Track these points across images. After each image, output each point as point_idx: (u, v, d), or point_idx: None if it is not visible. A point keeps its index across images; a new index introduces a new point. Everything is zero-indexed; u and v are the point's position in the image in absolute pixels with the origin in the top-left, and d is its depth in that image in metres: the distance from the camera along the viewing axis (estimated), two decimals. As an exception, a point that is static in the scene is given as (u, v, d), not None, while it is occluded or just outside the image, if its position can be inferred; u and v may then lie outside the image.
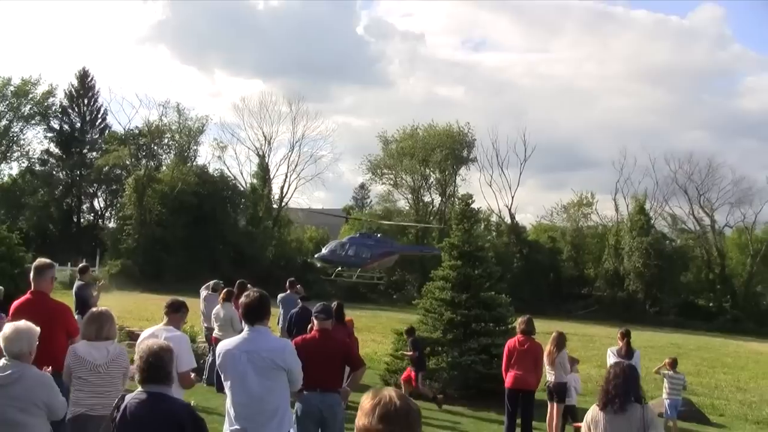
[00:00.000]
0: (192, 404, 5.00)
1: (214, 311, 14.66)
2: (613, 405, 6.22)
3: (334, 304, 11.67)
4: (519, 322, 11.98)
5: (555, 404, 12.56)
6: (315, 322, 8.19)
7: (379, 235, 52.57)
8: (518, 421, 11.89)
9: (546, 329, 25.11)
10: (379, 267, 51.48)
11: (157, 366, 4.97)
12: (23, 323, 5.98)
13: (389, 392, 3.03)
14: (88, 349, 6.63)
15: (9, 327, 5.88)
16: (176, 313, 7.61)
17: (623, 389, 6.25)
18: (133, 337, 19.03)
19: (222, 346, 6.42)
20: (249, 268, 52.95)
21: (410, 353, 15.21)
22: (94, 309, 7.22)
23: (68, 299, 10.24)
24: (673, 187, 66.97)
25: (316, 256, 46.68)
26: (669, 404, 13.98)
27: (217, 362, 6.39)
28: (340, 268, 48.19)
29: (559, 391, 12.59)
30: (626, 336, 12.96)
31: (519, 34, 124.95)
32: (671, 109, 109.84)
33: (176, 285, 47.80)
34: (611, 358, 12.70)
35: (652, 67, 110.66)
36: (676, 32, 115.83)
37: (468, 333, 16.06)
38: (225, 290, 14.91)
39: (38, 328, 6.06)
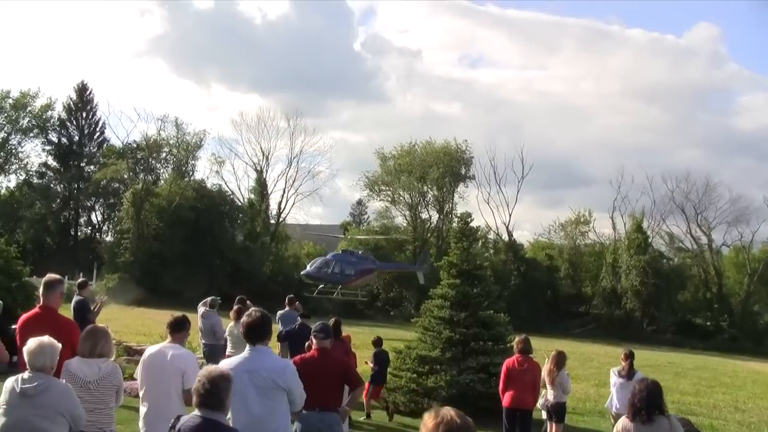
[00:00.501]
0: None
1: (227, 329, 14.74)
2: (641, 416, 6.97)
3: (331, 321, 11.69)
4: (516, 342, 11.94)
5: (554, 424, 12.52)
6: (314, 341, 8.17)
7: (360, 252, 52.57)
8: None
9: (543, 347, 25.05)
10: (361, 284, 51.43)
11: (212, 392, 5.06)
12: (47, 339, 6.12)
13: (449, 411, 3.43)
14: (81, 366, 6.72)
15: (33, 342, 6.05)
16: (179, 332, 7.53)
17: (648, 402, 7.01)
18: (130, 352, 19.00)
19: (223, 365, 6.35)
20: (246, 283, 52.83)
21: (371, 365, 15.33)
22: (90, 326, 7.32)
23: (65, 312, 10.19)
24: (670, 205, 67.15)
25: (302, 273, 46.31)
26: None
27: None
28: (322, 286, 47.90)
29: (558, 411, 12.56)
30: (630, 357, 13.03)
31: (516, 51, 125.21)
32: (667, 127, 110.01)
33: (173, 299, 47.75)
34: (613, 378, 12.83)
35: (648, 85, 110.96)
36: (672, 51, 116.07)
37: (466, 351, 16.03)
38: (237, 308, 14.95)
39: (60, 345, 6.21)
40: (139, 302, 47.38)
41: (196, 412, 5.13)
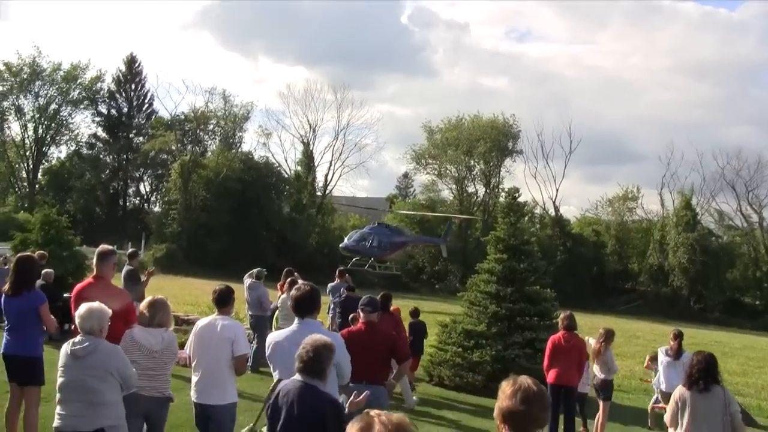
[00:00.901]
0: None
1: (279, 301, 14.84)
2: (698, 386, 7.43)
3: (380, 294, 11.73)
4: (561, 318, 11.82)
5: (601, 402, 12.46)
6: (361, 314, 8.17)
7: (395, 225, 52.32)
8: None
9: (589, 324, 24.86)
10: (395, 258, 51.19)
11: (315, 360, 5.35)
12: (96, 304, 6.47)
13: (526, 379, 3.67)
14: (144, 335, 7.09)
15: (83, 306, 6.39)
16: (226, 306, 7.66)
17: (705, 373, 7.48)
18: (178, 321, 19.19)
19: (272, 338, 6.48)
20: (292, 254, 53.23)
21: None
22: (150, 297, 7.56)
23: (115, 281, 10.35)
24: (720, 182, 65.93)
25: (340, 246, 45.87)
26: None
27: (267, 353, 6.42)
28: (357, 258, 47.47)
29: (605, 389, 12.49)
30: (678, 337, 13.05)
31: (564, 26, 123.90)
32: (717, 103, 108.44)
33: (219, 270, 48.20)
34: (661, 357, 12.79)
35: (698, 61, 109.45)
36: (724, 25, 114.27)
37: (512, 327, 15.98)
38: (290, 281, 15.00)
39: (110, 310, 6.57)
40: (186, 272, 48.00)
41: (297, 377, 5.40)
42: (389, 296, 13.57)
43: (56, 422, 6.28)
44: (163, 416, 7.32)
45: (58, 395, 6.28)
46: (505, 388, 3.66)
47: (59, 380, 6.24)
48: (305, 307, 6.41)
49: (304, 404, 5.27)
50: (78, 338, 6.27)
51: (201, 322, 7.67)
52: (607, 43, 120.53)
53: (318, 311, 6.64)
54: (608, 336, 12.49)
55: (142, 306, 7.37)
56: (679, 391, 7.59)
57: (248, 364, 13.91)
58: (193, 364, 7.50)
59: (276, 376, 6.34)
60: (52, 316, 8.46)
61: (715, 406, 7.38)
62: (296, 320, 6.44)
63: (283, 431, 5.32)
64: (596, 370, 12.57)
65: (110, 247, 8.44)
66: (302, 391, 5.31)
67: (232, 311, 7.87)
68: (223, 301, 7.66)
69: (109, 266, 8.08)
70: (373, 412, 3.05)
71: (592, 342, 13.08)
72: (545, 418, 3.71)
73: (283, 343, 6.25)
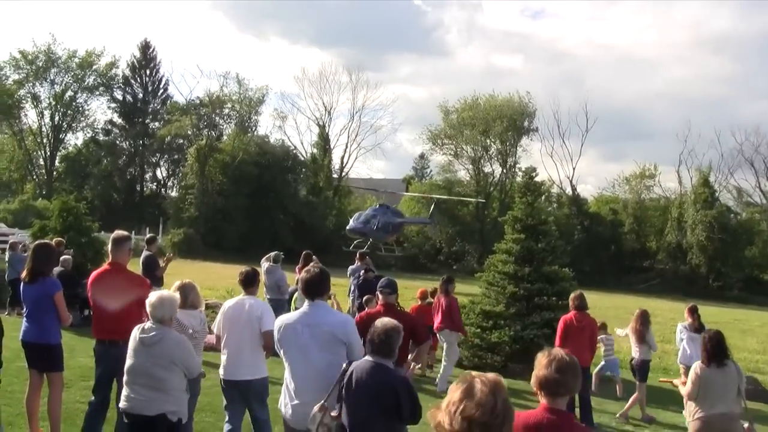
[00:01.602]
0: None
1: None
2: (717, 361, 7.94)
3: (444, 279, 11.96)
4: (572, 298, 11.82)
5: (638, 383, 12.63)
6: (380, 296, 8.18)
7: (394, 207, 51.90)
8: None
9: (608, 303, 24.82)
10: (394, 239, 50.56)
11: (386, 342, 5.76)
12: (167, 293, 6.80)
13: (559, 351, 4.23)
14: (185, 316, 7.51)
15: (155, 295, 6.62)
16: (252, 286, 8.09)
17: (720, 348, 8.01)
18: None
19: (282, 320, 6.47)
20: (309, 237, 53.24)
21: None
22: (179, 281, 7.93)
23: (134, 267, 10.39)
24: (738, 159, 65.34)
25: (347, 228, 44.74)
26: (611, 364, 14.92)
27: (277, 336, 6.42)
28: (359, 240, 46.69)
29: (644, 369, 12.60)
30: (694, 312, 13.33)
31: (578, 2, 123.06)
32: (735, 78, 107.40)
33: (237, 254, 48.35)
34: (684, 333, 12.91)
35: (715, 35, 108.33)
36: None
37: (531, 307, 15.97)
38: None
39: (179, 298, 6.98)
40: (203, 256, 48.17)
41: (368, 357, 5.79)
42: (451, 279, 14.15)
43: (122, 403, 6.60)
44: (196, 391, 7.68)
45: (125, 377, 6.57)
46: (541, 359, 4.17)
47: (128, 363, 6.54)
48: (315, 289, 6.40)
49: (378, 383, 5.61)
50: (147, 325, 6.51)
51: (229, 303, 8.04)
52: (621, 18, 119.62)
53: (328, 294, 6.78)
54: (645, 317, 12.68)
55: (173, 290, 7.58)
56: (698, 366, 8.00)
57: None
58: (222, 342, 7.81)
59: (287, 360, 6.33)
60: (66, 308, 8.48)
61: (730, 380, 7.98)
62: (306, 302, 6.44)
63: (358, 409, 5.65)
64: (635, 351, 12.77)
65: (125, 232, 8.46)
66: (375, 370, 5.66)
67: (257, 291, 8.22)
68: (249, 282, 8.06)
69: (125, 252, 8.09)
70: (474, 373, 3.27)
71: (620, 333, 13.23)
72: (577, 384, 4.19)
73: (295, 325, 6.26)
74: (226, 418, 7.98)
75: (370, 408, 5.58)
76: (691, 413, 8.09)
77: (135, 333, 6.53)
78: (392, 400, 5.56)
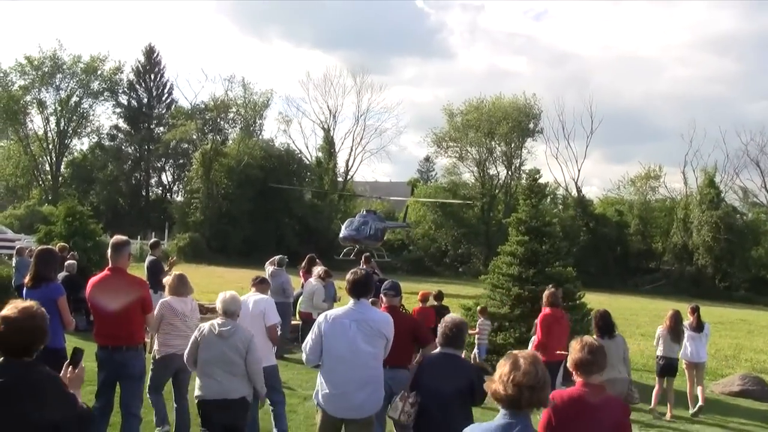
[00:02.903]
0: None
1: (310, 288, 15.92)
2: (606, 334, 10.21)
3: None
4: (549, 295, 11.86)
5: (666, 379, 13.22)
6: (384, 299, 8.21)
7: (378, 213, 51.51)
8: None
9: (614, 304, 24.73)
10: (380, 244, 49.79)
11: (457, 335, 6.71)
12: (232, 292, 7.69)
13: (589, 338, 5.50)
14: (178, 302, 8.91)
15: (227, 294, 7.59)
16: (262, 284, 9.81)
17: (607, 325, 10.34)
18: (202, 310, 19.23)
19: (331, 314, 7.01)
20: (315, 241, 53.29)
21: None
22: (178, 272, 9.48)
23: (138, 272, 10.44)
24: (744, 159, 65.01)
25: (340, 237, 44.07)
26: (481, 348, 15.65)
27: (323, 327, 6.86)
28: (349, 248, 45.91)
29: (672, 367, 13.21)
30: (696, 311, 13.83)
31: (580, 3, 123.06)
32: (740, 78, 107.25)
33: (242, 258, 48.42)
34: (686, 332, 13.48)
35: (719, 35, 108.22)
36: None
37: (536, 309, 15.88)
38: (325, 270, 16.08)
39: (241, 297, 8.02)
40: (209, 260, 48.19)
41: (440, 349, 6.73)
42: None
43: (198, 392, 7.36)
44: (189, 371, 8.33)
45: (200, 369, 7.35)
46: (575, 345, 5.35)
47: (202, 356, 7.32)
48: (361, 288, 7.01)
49: (453, 372, 6.48)
50: (220, 320, 7.38)
51: (242, 299, 8.66)
52: (624, 19, 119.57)
53: (371, 294, 7.35)
54: (679, 316, 13.32)
55: (176, 281, 9.12)
56: (591, 339, 8.63)
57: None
58: None
59: (329, 352, 6.80)
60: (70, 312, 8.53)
61: (618, 349, 10.23)
62: (351, 301, 7.05)
63: (437, 395, 6.38)
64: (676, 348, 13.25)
65: (124, 237, 8.48)
66: (449, 361, 6.59)
67: (267, 290, 9.76)
68: (260, 282, 9.82)
69: (124, 257, 8.09)
70: (515, 351, 4.25)
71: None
72: (605, 363, 5.41)
73: (343, 320, 6.84)
74: None
75: (448, 393, 6.30)
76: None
77: (207, 328, 7.39)
78: (467, 385, 6.32)
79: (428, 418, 6.44)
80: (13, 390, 3.87)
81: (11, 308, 4.03)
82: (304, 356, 7.09)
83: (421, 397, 6.53)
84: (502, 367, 4.12)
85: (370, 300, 11.69)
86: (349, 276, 7.18)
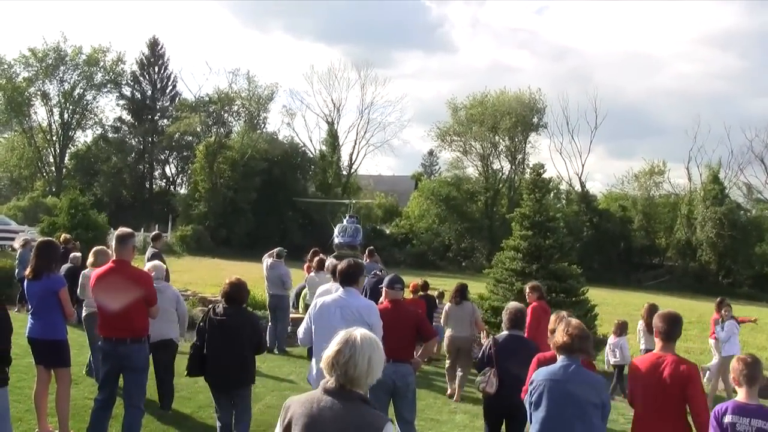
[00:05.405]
0: None
1: (308, 279, 16.17)
2: (455, 300, 12.98)
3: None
4: (534, 288, 11.79)
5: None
6: (388, 292, 8.19)
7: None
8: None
9: (618, 299, 24.75)
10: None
11: (520, 318, 8.17)
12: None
13: (574, 319, 6.27)
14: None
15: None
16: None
17: (460, 294, 13.04)
18: (205, 303, 19.27)
19: (320, 301, 7.43)
20: (318, 234, 53.28)
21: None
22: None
23: (141, 264, 10.45)
24: (748, 155, 64.86)
25: (336, 244, 43.87)
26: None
27: (313, 311, 7.38)
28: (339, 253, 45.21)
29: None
30: (722, 304, 15.50)
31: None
32: (743, 74, 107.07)
33: (245, 250, 48.40)
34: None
35: (722, 31, 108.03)
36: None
37: (539, 304, 15.93)
38: (317, 260, 16.08)
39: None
40: (212, 253, 48.16)
41: (506, 332, 8.10)
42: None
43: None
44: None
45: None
46: (557, 324, 6.30)
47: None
48: (349, 277, 7.46)
49: (521, 349, 7.68)
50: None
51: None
52: (628, 14, 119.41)
53: (359, 283, 7.63)
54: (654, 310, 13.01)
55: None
56: (448, 306, 13.28)
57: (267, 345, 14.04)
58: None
59: (319, 334, 7.11)
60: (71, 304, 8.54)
61: (466, 313, 12.87)
62: (341, 289, 7.47)
63: (510, 369, 7.51)
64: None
65: (128, 230, 8.43)
66: (517, 341, 8.03)
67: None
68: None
69: (129, 249, 8.04)
70: (564, 313, 6.78)
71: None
72: (589, 347, 6.20)
73: (329, 305, 7.28)
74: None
75: (518, 367, 7.11)
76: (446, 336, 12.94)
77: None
78: (529, 361, 6.92)
79: (506, 387, 7.63)
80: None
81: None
82: (298, 339, 7.70)
83: (499, 371, 7.80)
84: (556, 323, 6.51)
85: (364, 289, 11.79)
86: (340, 265, 7.77)
